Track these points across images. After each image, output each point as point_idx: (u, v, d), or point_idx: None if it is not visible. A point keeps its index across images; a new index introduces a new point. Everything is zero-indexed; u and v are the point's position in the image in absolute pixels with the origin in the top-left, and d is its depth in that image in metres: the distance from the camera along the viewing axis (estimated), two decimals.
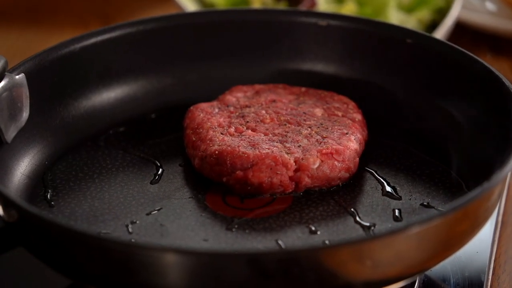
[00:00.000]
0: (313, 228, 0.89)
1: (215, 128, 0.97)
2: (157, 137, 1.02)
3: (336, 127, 0.97)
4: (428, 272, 0.93)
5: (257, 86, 1.05)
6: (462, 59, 1.00)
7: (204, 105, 1.01)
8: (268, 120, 0.99)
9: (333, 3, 1.33)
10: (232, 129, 0.97)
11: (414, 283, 0.92)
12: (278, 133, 0.97)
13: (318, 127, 0.97)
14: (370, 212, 0.91)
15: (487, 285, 0.94)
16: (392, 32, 1.05)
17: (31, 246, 0.85)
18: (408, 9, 1.34)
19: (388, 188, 0.94)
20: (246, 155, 0.92)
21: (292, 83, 1.06)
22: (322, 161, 0.93)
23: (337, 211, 0.91)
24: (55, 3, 1.50)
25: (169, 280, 0.78)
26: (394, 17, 1.31)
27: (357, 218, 0.90)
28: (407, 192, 0.93)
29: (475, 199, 0.82)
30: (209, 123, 0.98)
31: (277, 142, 0.95)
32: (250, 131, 0.97)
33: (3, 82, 0.93)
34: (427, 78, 1.03)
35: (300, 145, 0.94)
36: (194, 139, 0.97)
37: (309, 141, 0.95)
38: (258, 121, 0.99)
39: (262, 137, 0.96)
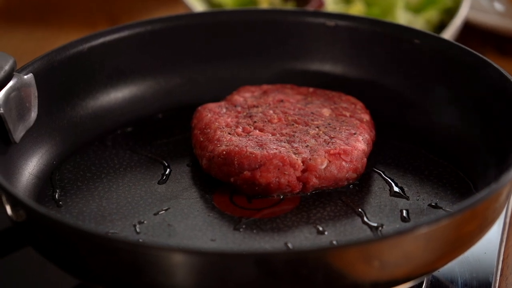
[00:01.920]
0: (320, 229, 0.89)
1: (223, 128, 0.97)
2: (165, 137, 1.02)
3: (344, 127, 0.97)
4: (435, 273, 0.93)
5: (265, 86, 1.05)
6: (470, 59, 1.00)
7: (211, 105, 1.01)
8: (275, 120, 0.99)
9: (341, 3, 1.33)
10: (239, 129, 0.97)
11: (422, 283, 0.92)
12: (286, 133, 0.97)
13: (326, 127, 0.97)
14: (378, 213, 0.91)
15: (495, 286, 0.93)
16: (400, 32, 1.05)
17: (39, 245, 0.85)
18: (416, 10, 1.33)
19: (396, 189, 0.94)
20: (253, 155, 0.92)
21: (299, 83, 1.06)
22: (329, 161, 0.93)
23: (345, 211, 0.91)
24: (63, 3, 1.50)
25: (176, 280, 0.78)
26: (402, 17, 1.30)
27: (365, 219, 0.90)
28: (415, 192, 0.93)
29: (483, 200, 0.82)
30: (216, 123, 0.98)
31: (284, 142, 0.95)
32: (257, 131, 0.97)
33: (11, 82, 0.93)
34: (435, 79, 1.03)
35: (308, 145, 0.94)
36: (201, 139, 0.97)
37: (316, 141, 0.95)
38: (265, 121, 0.99)
39: (269, 137, 0.96)
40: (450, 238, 0.81)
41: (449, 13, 1.32)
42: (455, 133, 0.99)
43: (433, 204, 0.92)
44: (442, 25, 1.33)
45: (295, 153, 0.93)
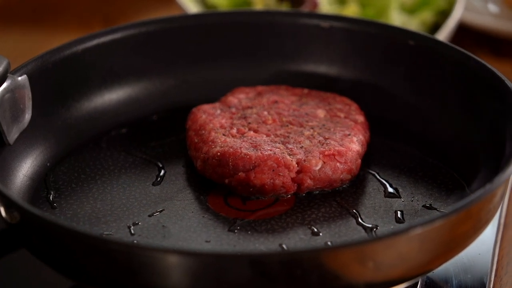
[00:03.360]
0: (315, 230, 0.89)
1: (217, 129, 0.97)
2: (160, 138, 1.02)
3: (338, 128, 0.97)
4: (430, 274, 0.93)
5: (259, 88, 1.05)
6: (465, 60, 1.00)
7: (206, 107, 1.01)
8: (270, 121, 0.99)
9: (335, 4, 1.33)
10: (234, 130, 0.97)
11: (416, 284, 0.92)
12: (280, 134, 0.97)
13: (320, 128, 0.97)
14: (372, 214, 0.91)
15: (489, 287, 0.93)
16: (395, 33, 1.05)
17: (33, 247, 0.85)
18: (411, 11, 1.34)
19: (390, 190, 0.94)
20: (248, 157, 0.92)
21: (294, 84, 1.06)
22: (324, 162, 0.93)
23: (339, 212, 0.91)
24: (58, 4, 1.50)
25: (171, 281, 0.78)
26: (397, 18, 1.30)
27: (360, 220, 0.90)
28: (409, 193, 0.93)
29: (478, 201, 0.82)
30: (211, 125, 0.98)
31: (279, 143, 0.95)
32: (252, 132, 0.97)
33: (5, 84, 0.93)
34: (429, 80, 1.03)
35: (302, 146, 0.94)
36: (196, 140, 0.97)
37: (311, 142, 0.95)
38: (260, 122, 0.99)
39: (264, 138, 0.96)
40: (444, 239, 0.81)
41: (444, 14, 1.33)
42: (450, 134, 0.99)
43: (428, 205, 0.92)
44: (436, 26, 1.33)
45: (289, 154, 0.93)
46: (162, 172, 0.97)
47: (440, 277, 0.94)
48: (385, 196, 0.93)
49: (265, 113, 1.00)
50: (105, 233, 0.89)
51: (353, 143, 0.95)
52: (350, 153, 0.94)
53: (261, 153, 0.93)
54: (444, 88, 1.02)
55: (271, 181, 0.92)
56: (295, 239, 0.88)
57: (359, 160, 0.96)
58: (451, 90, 1.01)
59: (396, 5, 1.31)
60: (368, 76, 1.06)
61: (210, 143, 0.95)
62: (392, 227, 0.89)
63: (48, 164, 0.98)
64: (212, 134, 0.96)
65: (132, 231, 0.89)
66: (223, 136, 0.96)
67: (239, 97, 1.03)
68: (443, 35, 1.26)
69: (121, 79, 1.06)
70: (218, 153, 0.93)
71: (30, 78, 0.96)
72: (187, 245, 0.87)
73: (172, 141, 1.02)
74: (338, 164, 0.93)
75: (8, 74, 0.94)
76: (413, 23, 1.31)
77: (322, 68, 1.08)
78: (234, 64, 1.09)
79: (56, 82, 1.01)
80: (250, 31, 1.09)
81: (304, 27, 1.08)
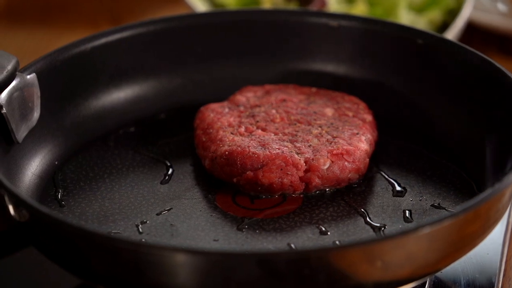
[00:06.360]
0: (323, 229, 0.89)
1: (225, 128, 0.97)
2: (168, 137, 1.02)
3: (346, 127, 0.97)
4: (438, 274, 0.93)
5: (267, 86, 1.05)
6: (473, 59, 1.00)
7: (214, 106, 1.01)
8: (278, 120, 0.99)
9: (344, 3, 1.33)
10: (242, 129, 0.97)
11: (424, 284, 0.92)
12: (288, 132, 0.97)
13: (329, 127, 0.97)
14: (380, 213, 0.91)
15: (498, 287, 0.93)
16: (403, 32, 1.05)
17: (41, 245, 0.85)
18: (419, 10, 1.33)
19: (398, 189, 0.94)
20: (256, 156, 0.92)
21: (302, 83, 1.06)
22: (332, 161, 0.93)
23: (348, 211, 0.91)
24: (66, 3, 1.50)
25: (179, 280, 0.78)
26: (405, 17, 1.30)
27: (368, 219, 0.90)
28: (418, 193, 0.93)
29: (486, 200, 0.82)
30: (219, 123, 0.98)
31: (287, 142, 0.95)
32: (260, 130, 0.97)
33: (14, 82, 0.93)
34: (438, 79, 1.03)
35: (311, 145, 0.94)
36: (204, 139, 0.97)
37: (319, 140, 0.95)
38: (268, 121, 0.98)
39: (272, 136, 0.96)
40: (453, 239, 0.81)
41: (452, 13, 1.32)
42: (458, 133, 0.99)
43: (436, 204, 0.92)
44: (445, 25, 1.32)
45: (297, 153, 0.93)
46: (170, 170, 0.97)
47: (448, 276, 0.93)
48: (393, 195, 0.93)
49: (273, 111, 1.00)
50: (113, 231, 0.89)
51: (361, 142, 0.95)
52: (359, 152, 0.94)
53: (269, 152, 0.93)
54: (453, 87, 1.01)
55: (279, 180, 0.92)
56: (303, 238, 0.88)
57: (367, 159, 0.95)
58: (459, 89, 1.01)
59: (404, 4, 1.31)
60: (376, 75, 1.06)
61: (218, 142, 0.95)
62: (400, 226, 0.89)
63: (56, 162, 0.98)
64: (220, 133, 0.96)
65: (140, 230, 0.89)
66: (231, 135, 0.96)
67: (247, 96, 1.03)
68: (452, 34, 1.26)
69: (129, 77, 1.06)
70: (226, 152, 0.93)
71: (38, 76, 0.96)
72: (195, 244, 0.87)
73: (180, 139, 1.02)
74: (346, 163, 0.93)
75: (17, 72, 0.94)
76: (422, 22, 1.31)
77: (330, 67, 1.08)
78: (242, 63, 1.09)
79: (65, 81, 1.01)
80: (258, 30, 1.09)
81: (312, 26, 1.08)
